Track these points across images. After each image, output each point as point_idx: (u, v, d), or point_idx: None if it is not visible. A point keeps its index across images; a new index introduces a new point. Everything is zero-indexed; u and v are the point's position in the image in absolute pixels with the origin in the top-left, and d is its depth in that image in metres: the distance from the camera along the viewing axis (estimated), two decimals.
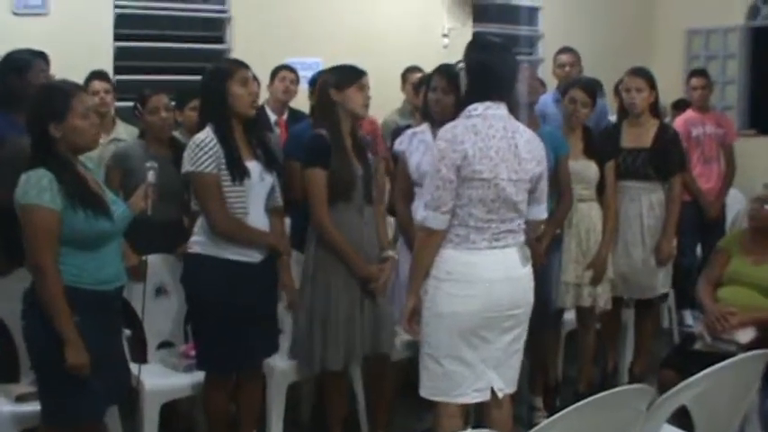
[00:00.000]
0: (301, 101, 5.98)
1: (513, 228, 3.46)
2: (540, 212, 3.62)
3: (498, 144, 3.37)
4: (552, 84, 6.60)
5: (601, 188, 4.80)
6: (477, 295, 3.37)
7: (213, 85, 3.81)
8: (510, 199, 3.39)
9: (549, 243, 4.49)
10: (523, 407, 4.67)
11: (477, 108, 3.43)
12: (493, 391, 3.49)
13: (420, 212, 3.42)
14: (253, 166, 3.81)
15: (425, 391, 3.52)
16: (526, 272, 3.52)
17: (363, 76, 4.11)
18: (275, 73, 5.99)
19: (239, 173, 3.73)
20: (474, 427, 3.68)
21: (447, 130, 3.42)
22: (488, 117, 3.41)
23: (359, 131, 4.24)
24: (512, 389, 3.58)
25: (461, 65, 3.60)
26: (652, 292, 5.06)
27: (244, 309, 3.78)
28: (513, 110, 3.55)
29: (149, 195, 3.65)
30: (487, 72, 3.47)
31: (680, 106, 7.02)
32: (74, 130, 3.24)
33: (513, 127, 3.46)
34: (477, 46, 3.60)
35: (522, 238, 3.51)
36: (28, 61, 4.26)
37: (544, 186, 3.58)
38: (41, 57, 4.36)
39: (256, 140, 3.91)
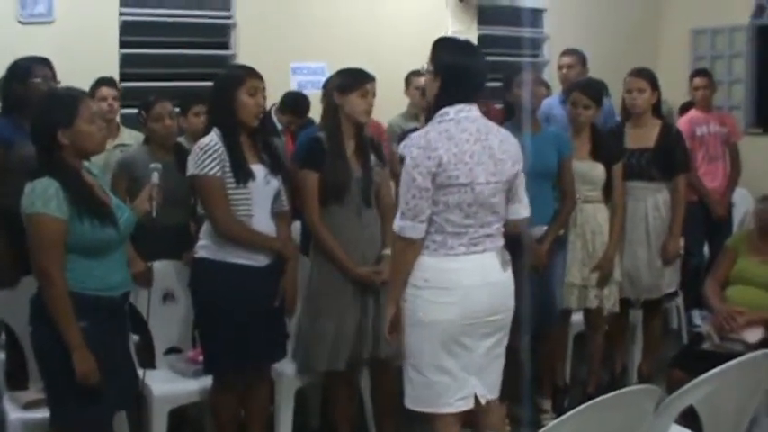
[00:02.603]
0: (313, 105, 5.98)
1: (492, 232, 3.40)
2: (520, 211, 3.54)
3: (473, 148, 3.31)
4: (559, 85, 6.60)
5: (608, 189, 4.79)
6: (456, 302, 3.30)
7: (222, 91, 3.83)
8: (487, 202, 3.34)
9: (552, 244, 4.49)
10: (529, 409, 4.67)
11: (449, 112, 3.36)
12: (477, 398, 3.41)
13: (397, 222, 3.35)
14: (258, 169, 3.82)
15: (410, 402, 3.45)
16: (506, 277, 3.45)
17: (368, 82, 4.09)
18: (283, 109, 5.97)
19: (243, 175, 3.74)
20: None
21: (420, 136, 3.34)
22: (461, 121, 3.34)
23: (366, 134, 4.23)
24: (494, 394, 3.50)
25: (427, 67, 3.51)
26: (657, 292, 5.05)
27: (250, 313, 3.79)
28: (486, 111, 3.49)
29: (154, 197, 3.66)
30: (460, 74, 3.40)
31: (686, 109, 7.00)
32: (81, 136, 3.26)
33: (487, 128, 3.39)
34: (446, 48, 3.49)
35: (500, 242, 3.45)
36: (29, 68, 4.29)
37: (521, 184, 3.51)
38: (44, 63, 4.38)
39: (263, 145, 3.92)
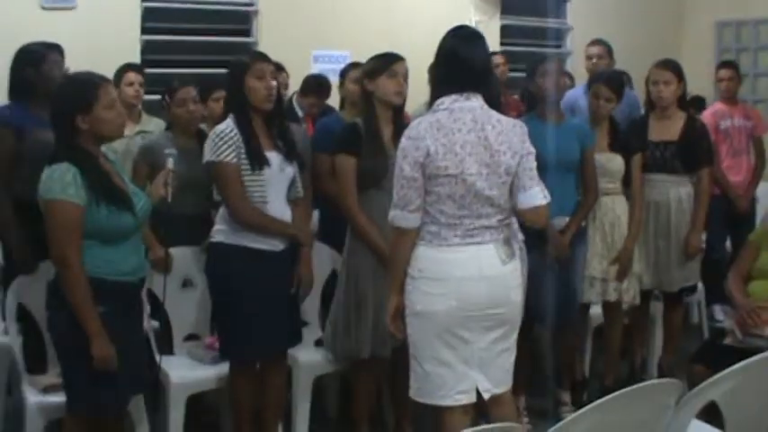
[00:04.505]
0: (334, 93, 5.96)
1: (492, 224, 3.30)
2: (530, 199, 3.32)
3: (465, 138, 3.24)
4: (583, 76, 6.55)
5: (627, 181, 4.75)
6: (449, 293, 3.25)
7: (233, 78, 3.85)
8: (482, 194, 3.25)
9: (574, 237, 4.46)
10: (550, 401, 4.65)
11: (444, 102, 3.30)
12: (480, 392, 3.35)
13: (390, 211, 3.35)
14: (273, 156, 3.83)
15: (412, 392, 3.43)
16: (508, 270, 3.34)
17: (395, 62, 4.08)
18: (305, 92, 5.96)
19: (258, 161, 3.75)
20: None
21: (412, 127, 3.31)
22: (455, 110, 3.27)
23: (404, 119, 4.19)
24: (502, 389, 3.42)
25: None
26: (677, 285, 5.02)
27: (266, 297, 3.79)
28: (492, 102, 3.39)
29: (169, 182, 3.68)
30: (454, 63, 3.34)
31: (694, 103, 6.85)
32: (100, 121, 3.25)
33: (485, 119, 3.29)
34: (446, 37, 3.42)
35: (503, 234, 3.34)
36: (43, 54, 4.24)
37: (528, 173, 3.31)
38: (56, 49, 4.34)
39: (277, 132, 3.92)
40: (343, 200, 4.08)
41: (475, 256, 3.30)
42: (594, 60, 6.43)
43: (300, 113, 5.91)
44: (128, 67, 5.55)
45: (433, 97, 3.42)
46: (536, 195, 3.34)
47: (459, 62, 3.34)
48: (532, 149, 3.38)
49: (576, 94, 6.07)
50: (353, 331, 4.04)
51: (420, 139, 3.25)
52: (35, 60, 4.22)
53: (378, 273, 3.98)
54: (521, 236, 3.46)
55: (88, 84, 3.29)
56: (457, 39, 3.42)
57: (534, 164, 3.38)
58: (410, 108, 6.02)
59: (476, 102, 3.32)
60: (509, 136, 3.32)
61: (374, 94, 4.06)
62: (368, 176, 4.01)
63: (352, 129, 4.11)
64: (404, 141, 3.30)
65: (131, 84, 5.46)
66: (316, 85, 6.01)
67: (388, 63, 4.08)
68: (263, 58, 3.92)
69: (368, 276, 4.03)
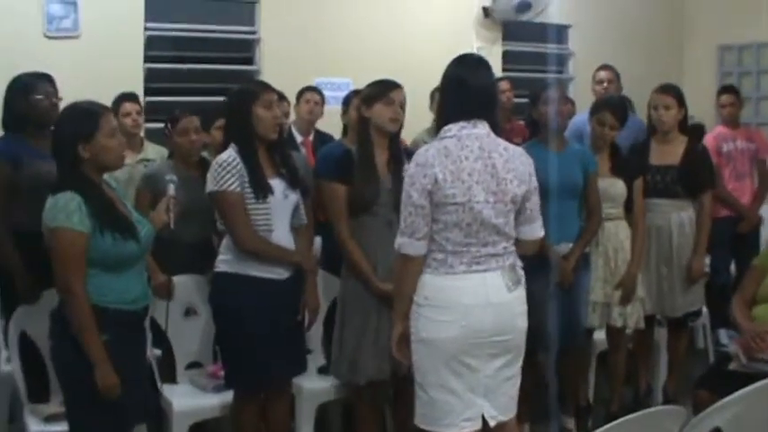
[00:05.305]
0: (332, 121, 5.98)
1: (498, 251, 3.31)
2: (533, 231, 3.43)
3: (472, 166, 3.24)
4: (586, 102, 6.56)
5: (629, 206, 4.75)
6: (455, 321, 3.24)
7: (238, 107, 3.84)
8: (488, 222, 3.25)
9: (578, 262, 4.45)
10: (554, 427, 4.63)
11: (451, 129, 3.30)
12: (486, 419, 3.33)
13: (397, 238, 3.34)
14: (276, 183, 3.83)
15: (417, 419, 3.39)
16: (513, 297, 3.33)
17: (392, 90, 4.08)
18: (300, 95, 6.05)
19: (262, 190, 3.75)
20: None
21: (420, 153, 3.31)
22: (462, 138, 3.28)
23: (400, 145, 4.21)
24: (507, 416, 3.39)
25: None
26: (681, 311, 5.00)
27: (271, 326, 3.79)
28: (494, 128, 3.38)
29: (171, 209, 3.67)
30: (459, 89, 3.36)
31: (694, 132, 6.83)
32: (102, 150, 3.26)
33: (492, 146, 3.30)
34: (451, 63, 3.44)
35: (509, 261, 3.34)
36: (32, 84, 4.27)
37: (533, 205, 3.39)
38: (47, 79, 4.36)
39: (280, 159, 3.92)
40: (334, 227, 4.09)
41: (481, 284, 3.29)
42: (606, 84, 6.51)
43: (299, 138, 5.94)
44: (123, 98, 5.56)
45: (439, 124, 3.41)
46: (538, 228, 3.45)
47: (466, 89, 3.35)
48: (536, 181, 3.42)
49: (582, 120, 6.09)
50: (349, 356, 4.04)
51: (428, 166, 3.24)
52: (24, 91, 4.24)
53: (368, 301, 3.99)
54: (520, 262, 3.45)
55: (89, 113, 3.30)
56: (463, 66, 3.42)
57: (538, 197, 3.43)
58: (411, 134, 6.07)
59: (482, 129, 3.33)
60: (516, 164, 3.33)
61: (370, 120, 4.06)
62: (359, 202, 4.02)
63: (344, 156, 4.11)
64: (412, 168, 3.30)
65: (128, 114, 5.48)
66: (304, 89, 6.11)
67: (385, 90, 4.08)
68: (271, 88, 3.93)
69: (358, 305, 4.03)
